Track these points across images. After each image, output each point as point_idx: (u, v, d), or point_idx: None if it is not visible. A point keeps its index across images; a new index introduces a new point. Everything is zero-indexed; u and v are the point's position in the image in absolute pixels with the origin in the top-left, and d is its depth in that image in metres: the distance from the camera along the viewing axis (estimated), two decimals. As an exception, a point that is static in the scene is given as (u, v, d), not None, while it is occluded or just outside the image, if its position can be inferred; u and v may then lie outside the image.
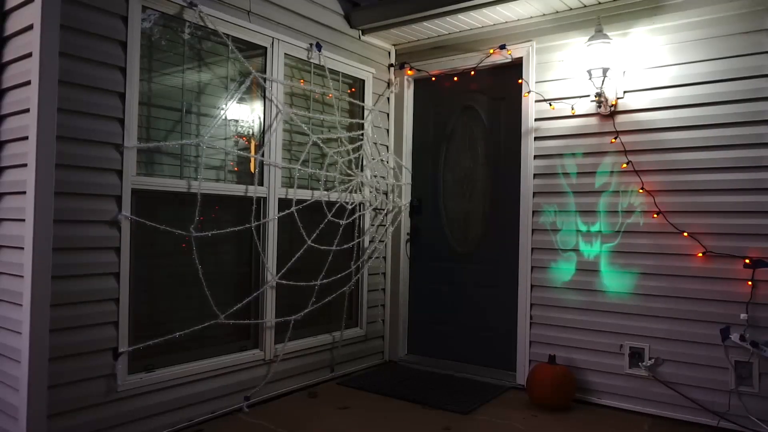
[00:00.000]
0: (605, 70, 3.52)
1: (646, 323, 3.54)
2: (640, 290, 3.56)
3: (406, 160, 4.72)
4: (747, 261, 3.22)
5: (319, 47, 4.00)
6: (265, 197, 3.67)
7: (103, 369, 2.81)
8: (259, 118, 3.69)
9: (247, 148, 3.67)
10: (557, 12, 3.88)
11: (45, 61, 2.57)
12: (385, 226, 4.61)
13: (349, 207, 4.22)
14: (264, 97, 3.68)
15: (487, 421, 3.38)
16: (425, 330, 4.64)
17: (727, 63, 3.32)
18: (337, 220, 4.06)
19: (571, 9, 3.81)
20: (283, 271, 3.73)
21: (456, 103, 4.55)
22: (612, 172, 3.69)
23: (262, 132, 3.69)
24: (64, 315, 2.66)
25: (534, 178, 3.99)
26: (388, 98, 4.71)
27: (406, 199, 4.70)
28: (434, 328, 4.59)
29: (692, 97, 3.42)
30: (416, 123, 4.74)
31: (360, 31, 4.39)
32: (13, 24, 2.79)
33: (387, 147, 4.68)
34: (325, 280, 3.98)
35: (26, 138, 2.62)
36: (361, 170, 4.37)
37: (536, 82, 4.00)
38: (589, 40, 3.57)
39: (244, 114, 3.63)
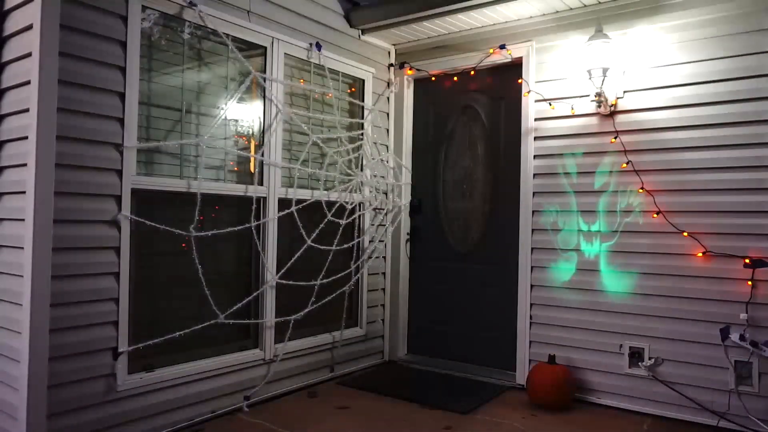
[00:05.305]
0: (605, 70, 3.52)
1: (646, 323, 3.54)
2: (640, 290, 3.56)
3: (406, 160, 4.72)
4: (747, 261, 3.22)
5: (318, 47, 4.00)
6: (265, 197, 3.67)
7: (102, 369, 2.81)
8: (259, 117, 3.69)
9: (247, 148, 3.67)
10: (557, 12, 3.88)
11: (45, 60, 2.57)
12: (385, 225, 4.61)
13: (349, 207, 4.22)
14: (264, 97, 3.68)
15: (486, 421, 3.38)
16: (425, 330, 4.64)
17: (727, 63, 3.32)
18: (336, 220, 4.06)
19: (571, 9, 3.81)
20: (282, 270, 3.73)
21: (456, 103, 4.54)
22: (612, 171, 3.68)
23: (262, 132, 3.69)
24: (64, 315, 2.66)
25: (534, 177, 3.99)
26: (388, 98, 4.71)
27: (406, 199, 4.70)
28: (434, 328, 4.59)
29: (692, 96, 3.42)
30: (416, 123, 4.74)
31: (360, 31, 4.39)
32: (13, 24, 2.79)
33: (387, 147, 4.68)
34: (325, 280, 3.98)
35: (26, 138, 2.62)
36: (361, 170, 4.36)
37: (536, 82, 4.00)
38: (589, 39, 3.57)
39: (244, 114, 3.63)
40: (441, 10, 3.95)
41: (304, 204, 3.87)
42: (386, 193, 4.61)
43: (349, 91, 4.41)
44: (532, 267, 3.99)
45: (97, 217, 2.79)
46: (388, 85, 4.70)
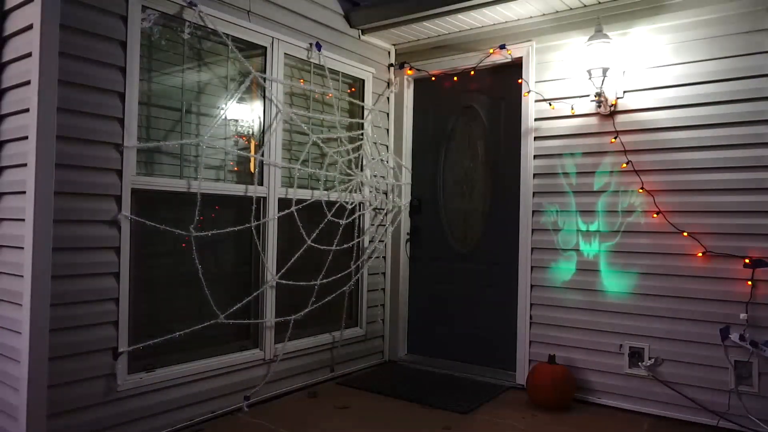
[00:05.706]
0: (605, 70, 3.52)
1: (645, 323, 3.54)
2: (640, 290, 3.56)
3: (406, 160, 4.72)
4: (747, 261, 3.22)
5: (318, 47, 4.00)
6: (265, 197, 3.67)
7: (102, 369, 2.81)
8: (259, 117, 3.69)
9: (247, 148, 3.67)
10: (557, 12, 3.88)
11: (45, 60, 2.57)
12: (385, 225, 4.61)
13: (349, 207, 4.22)
14: (264, 97, 3.68)
15: (486, 421, 3.38)
16: (425, 330, 4.64)
17: (727, 63, 3.32)
18: (337, 220, 4.06)
19: (571, 9, 3.81)
20: (282, 270, 3.73)
21: (456, 103, 4.54)
22: (612, 171, 3.69)
23: (262, 132, 3.69)
24: (64, 315, 2.66)
25: (534, 177, 3.99)
26: (388, 98, 4.71)
27: (406, 199, 4.70)
28: (434, 328, 4.59)
29: (692, 96, 3.42)
30: (416, 123, 4.74)
31: (360, 31, 4.39)
32: (13, 24, 2.79)
33: (387, 147, 4.68)
34: (324, 280, 3.98)
35: (26, 138, 2.62)
36: (361, 170, 4.36)
37: (536, 82, 4.00)
38: (589, 39, 3.57)
39: (244, 114, 3.63)
40: (441, 10, 3.95)
41: (304, 204, 3.87)
42: (386, 193, 4.61)
43: (349, 91, 4.41)
44: (532, 267, 3.99)
45: (97, 217, 2.79)
46: (388, 85, 4.70)
